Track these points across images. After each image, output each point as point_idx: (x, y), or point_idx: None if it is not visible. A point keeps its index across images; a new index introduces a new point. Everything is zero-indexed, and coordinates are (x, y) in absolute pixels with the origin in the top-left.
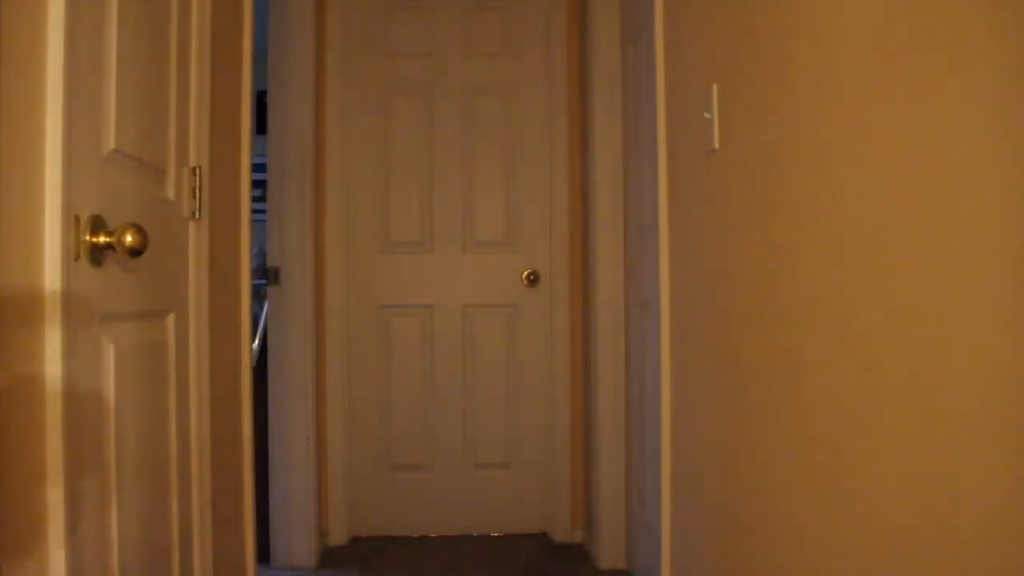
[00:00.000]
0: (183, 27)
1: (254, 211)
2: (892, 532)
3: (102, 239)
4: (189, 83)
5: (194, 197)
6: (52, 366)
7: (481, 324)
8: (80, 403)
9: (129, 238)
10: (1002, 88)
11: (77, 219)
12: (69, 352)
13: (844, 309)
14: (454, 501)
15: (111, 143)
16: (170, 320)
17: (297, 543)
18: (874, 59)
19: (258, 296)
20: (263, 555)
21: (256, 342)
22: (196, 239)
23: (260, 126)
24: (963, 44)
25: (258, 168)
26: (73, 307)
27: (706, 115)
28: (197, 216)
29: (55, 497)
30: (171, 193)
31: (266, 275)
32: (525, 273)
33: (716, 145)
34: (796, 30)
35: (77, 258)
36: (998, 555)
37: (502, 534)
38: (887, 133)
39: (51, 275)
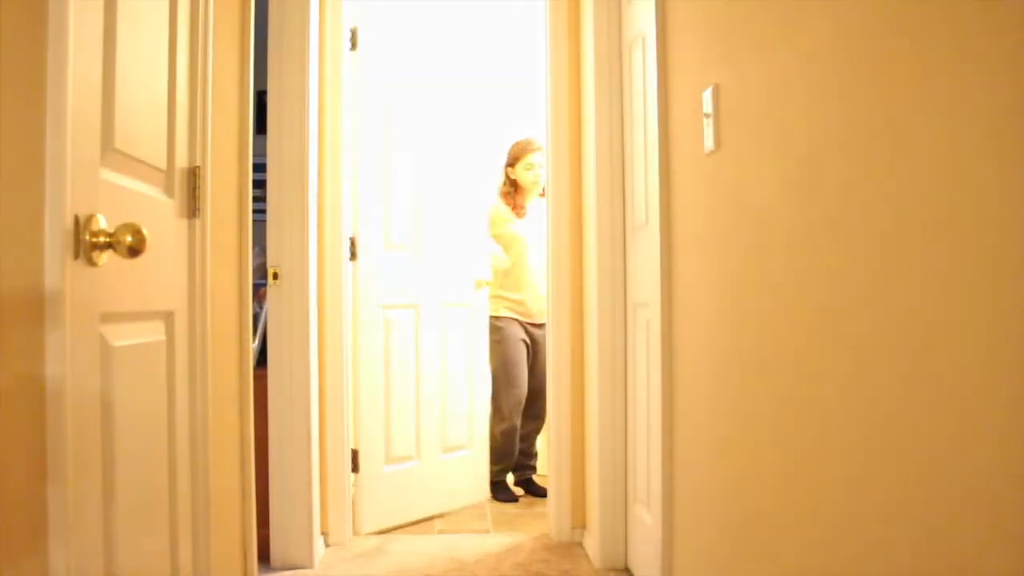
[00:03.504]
0: (183, 27)
1: (254, 211)
2: (893, 531)
3: (102, 239)
4: (189, 83)
5: (194, 197)
6: (52, 366)
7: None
8: (80, 403)
9: (129, 238)
10: (1003, 88)
11: (77, 219)
12: (69, 352)
13: (843, 307)
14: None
15: (111, 143)
16: (170, 320)
17: (297, 543)
18: (873, 59)
19: (258, 296)
20: (263, 555)
21: (256, 342)
22: (196, 239)
23: (260, 126)
24: (964, 44)
25: (258, 168)
26: (73, 307)
27: (705, 115)
28: (197, 216)
29: (55, 497)
30: (171, 193)
31: (266, 275)
32: None
33: (714, 145)
34: (795, 30)
35: (77, 258)
36: (999, 554)
37: (502, 533)
38: (886, 132)
39: (51, 275)
